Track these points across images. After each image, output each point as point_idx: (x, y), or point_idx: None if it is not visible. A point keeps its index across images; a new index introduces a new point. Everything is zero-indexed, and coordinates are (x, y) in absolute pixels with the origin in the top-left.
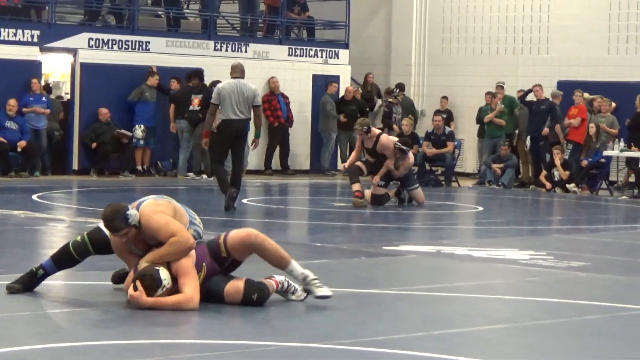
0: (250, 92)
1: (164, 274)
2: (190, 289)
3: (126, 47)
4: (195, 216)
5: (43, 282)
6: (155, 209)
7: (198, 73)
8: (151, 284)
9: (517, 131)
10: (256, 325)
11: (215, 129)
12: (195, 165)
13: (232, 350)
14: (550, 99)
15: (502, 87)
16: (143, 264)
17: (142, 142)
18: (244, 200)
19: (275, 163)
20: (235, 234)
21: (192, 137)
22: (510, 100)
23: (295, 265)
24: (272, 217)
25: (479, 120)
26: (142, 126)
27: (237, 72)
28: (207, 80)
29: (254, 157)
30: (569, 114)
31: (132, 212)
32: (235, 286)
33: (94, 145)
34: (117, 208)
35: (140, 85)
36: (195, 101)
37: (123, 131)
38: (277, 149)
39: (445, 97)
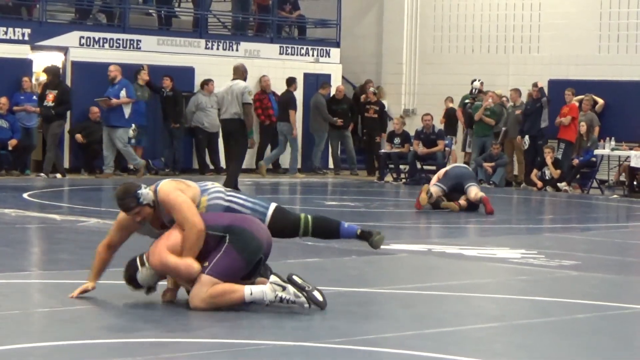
0: (239, 91)
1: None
2: (189, 220)
3: (117, 45)
4: (207, 183)
5: (34, 281)
6: (175, 185)
7: (53, 70)
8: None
9: (504, 129)
10: (247, 324)
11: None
12: (48, 164)
13: (224, 349)
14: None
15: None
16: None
17: (133, 141)
18: None
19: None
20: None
21: (49, 134)
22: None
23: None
24: None
25: (462, 108)
26: (133, 125)
27: (236, 73)
28: (199, 79)
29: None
30: (560, 112)
31: (143, 191)
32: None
33: (79, 137)
34: (128, 187)
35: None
36: (50, 97)
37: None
38: (268, 147)
39: (449, 98)
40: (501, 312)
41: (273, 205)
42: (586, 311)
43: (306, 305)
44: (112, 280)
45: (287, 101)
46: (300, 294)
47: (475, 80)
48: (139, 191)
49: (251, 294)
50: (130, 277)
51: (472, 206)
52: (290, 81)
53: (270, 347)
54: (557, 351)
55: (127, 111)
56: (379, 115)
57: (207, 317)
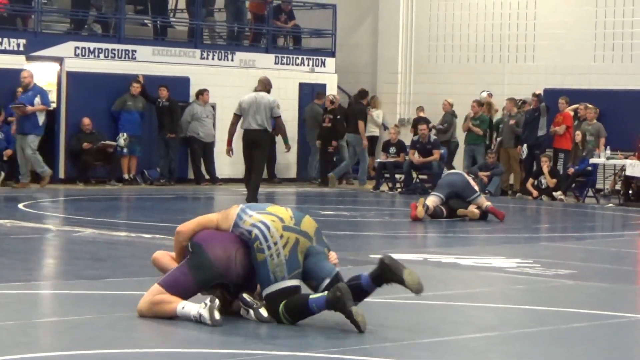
0: (268, 104)
1: None
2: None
3: (112, 55)
4: (246, 215)
5: (28, 292)
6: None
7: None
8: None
9: (498, 139)
10: (242, 333)
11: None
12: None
13: (219, 359)
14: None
15: (490, 95)
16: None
17: (125, 150)
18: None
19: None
20: None
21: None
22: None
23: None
24: None
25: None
26: (124, 134)
27: (260, 85)
28: (194, 89)
29: (239, 166)
30: (555, 121)
31: None
32: None
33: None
34: None
35: (123, 94)
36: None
37: (107, 142)
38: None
39: (448, 102)
40: (497, 321)
41: None
42: (583, 320)
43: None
44: (116, 290)
45: (356, 112)
46: (247, 310)
47: (483, 91)
48: None
49: (183, 308)
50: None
51: (483, 215)
52: (363, 94)
53: (266, 356)
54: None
55: (41, 119)
56: (333, 124)
57: (201, 328)
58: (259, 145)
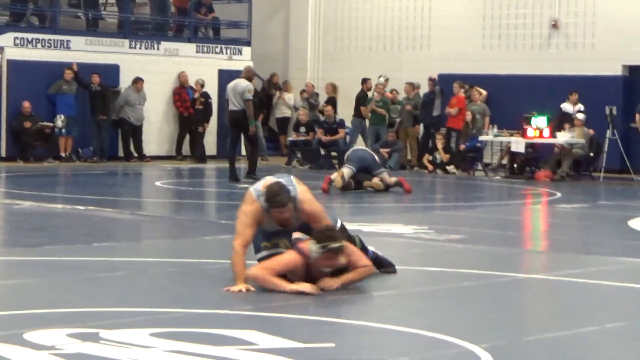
0: (242, 89)
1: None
2: (364, 260)
3: (49, 45)
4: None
5: None
6: (311, 195)
7: None
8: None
9: (398, 120)
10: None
11: None
12: None
13: (144, 317)
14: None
15: (387, 80)
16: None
17: (63, 131)
18: (157, 183)
19: (185, 149)
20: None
21: None
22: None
23: None
24: (184, 198)
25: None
26: (62, 116)
27: (243, 73)
28: (123, 75)
29: (164, 145)
30: (449, 103)
31: (291, 188)
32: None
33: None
34: (281, 185)
35: (58, 80)
36: None
37: (45, 123)
38: (187, 136)
39: (332, 84)
40: (397, 281)
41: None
42: (471, 279)
43: None
44: (53, 257)
45: (358, 98)
46: None
47: (380, 76)
48: (290, 187)
49: None
50: None
51: (386, 187)
52: (363, 81)
53: (177, 314)
54: (446, 316)
55: None
56: (204, 107)
57: (134, 289)
58: (240, 124)
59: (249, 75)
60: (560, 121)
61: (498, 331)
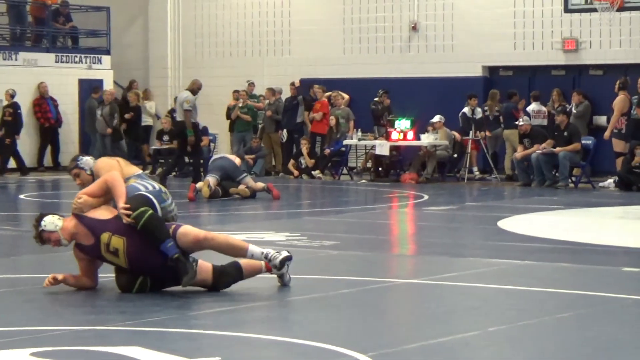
0: (181, 100)
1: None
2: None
3: None
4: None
5: None
6: (108, 160)
7: None
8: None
9: (261, 126)
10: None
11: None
12: None
13: (20, 337)
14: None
15: (253, 85)
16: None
17: None
18: (21, 196)
19: (47, 161)
20: (185, 236)
21: None
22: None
23: (254, 248)
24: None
25: (228, 116)
26: None
27: (189, 84)
28: None
29: (27, 156)
30: (314, 108)
31: (85, 158)
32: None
33: None
34: (75, 156)
35: None
36: None
37: None
38: (49, 147)
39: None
40: (273, 291)
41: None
42: (350, 286)
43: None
44: None
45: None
46: None
47: (248, 81)
48: (81, 157)
49: None
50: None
51: (253, 194)
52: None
53: (65, 332)
54: (329, 324)
55: None
56: (13, 117)
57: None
58: (181, 134)
59: (193, 87)
60: (465, 127)
61: (382, 339)
